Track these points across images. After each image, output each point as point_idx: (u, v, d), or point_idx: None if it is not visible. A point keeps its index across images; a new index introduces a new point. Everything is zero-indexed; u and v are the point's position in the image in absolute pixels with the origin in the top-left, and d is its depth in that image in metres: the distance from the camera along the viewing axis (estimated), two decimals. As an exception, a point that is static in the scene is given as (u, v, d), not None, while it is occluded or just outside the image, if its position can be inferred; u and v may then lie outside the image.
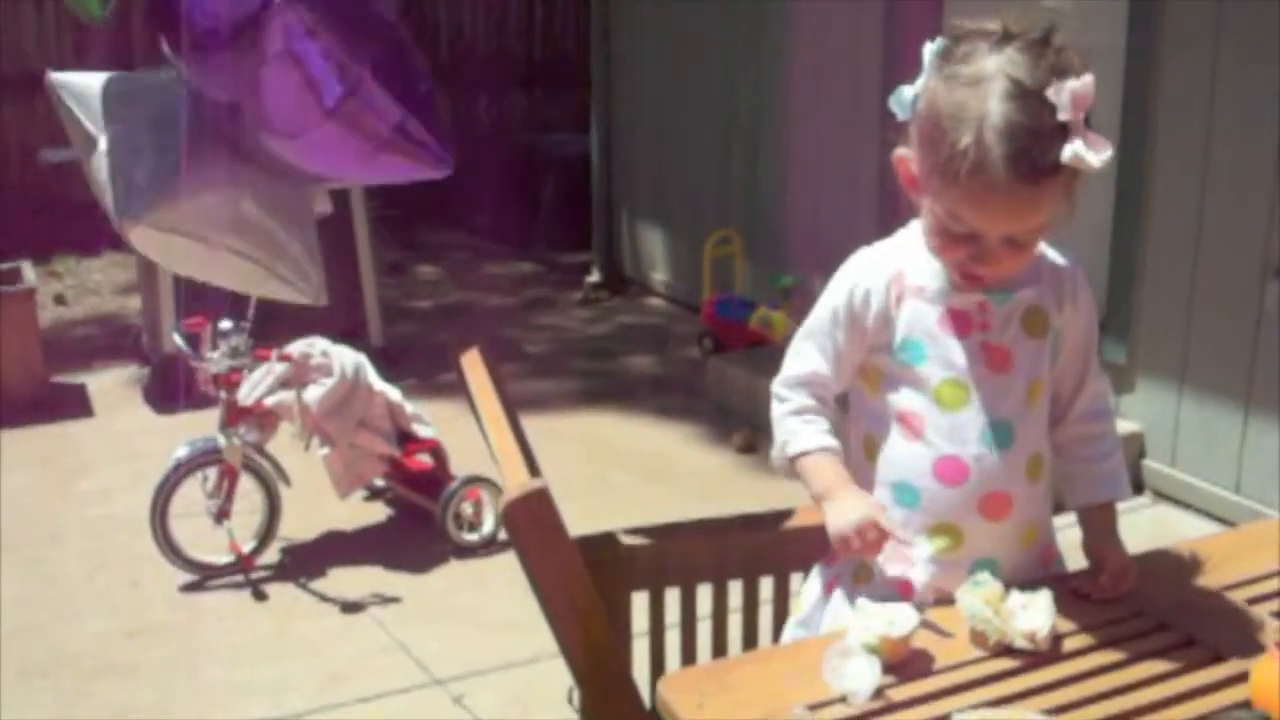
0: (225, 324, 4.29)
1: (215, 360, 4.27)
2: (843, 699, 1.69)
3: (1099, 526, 2.13)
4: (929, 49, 1.90)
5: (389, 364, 5.54)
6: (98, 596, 4.36)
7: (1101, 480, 2.15)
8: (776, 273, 6.22)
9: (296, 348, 4.46)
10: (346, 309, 6.13)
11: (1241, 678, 1.71)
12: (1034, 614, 1.82)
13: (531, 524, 1.67)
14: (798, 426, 2.05)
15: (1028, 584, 1.92)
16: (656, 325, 7.29)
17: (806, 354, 2.08)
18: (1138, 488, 4.90)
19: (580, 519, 4.63)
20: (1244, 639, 1.78)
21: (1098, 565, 2.06)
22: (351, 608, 4.29)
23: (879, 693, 1.70)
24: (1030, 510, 2.05)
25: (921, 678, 1.74)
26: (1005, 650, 1.81)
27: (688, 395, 6.13)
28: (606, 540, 2.40)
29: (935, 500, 2.00)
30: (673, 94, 7.21)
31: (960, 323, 1.98)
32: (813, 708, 1.67)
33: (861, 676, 1.69)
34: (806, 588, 2.18)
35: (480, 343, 2.24)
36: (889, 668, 1.74)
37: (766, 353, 5.90)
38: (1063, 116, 1.78)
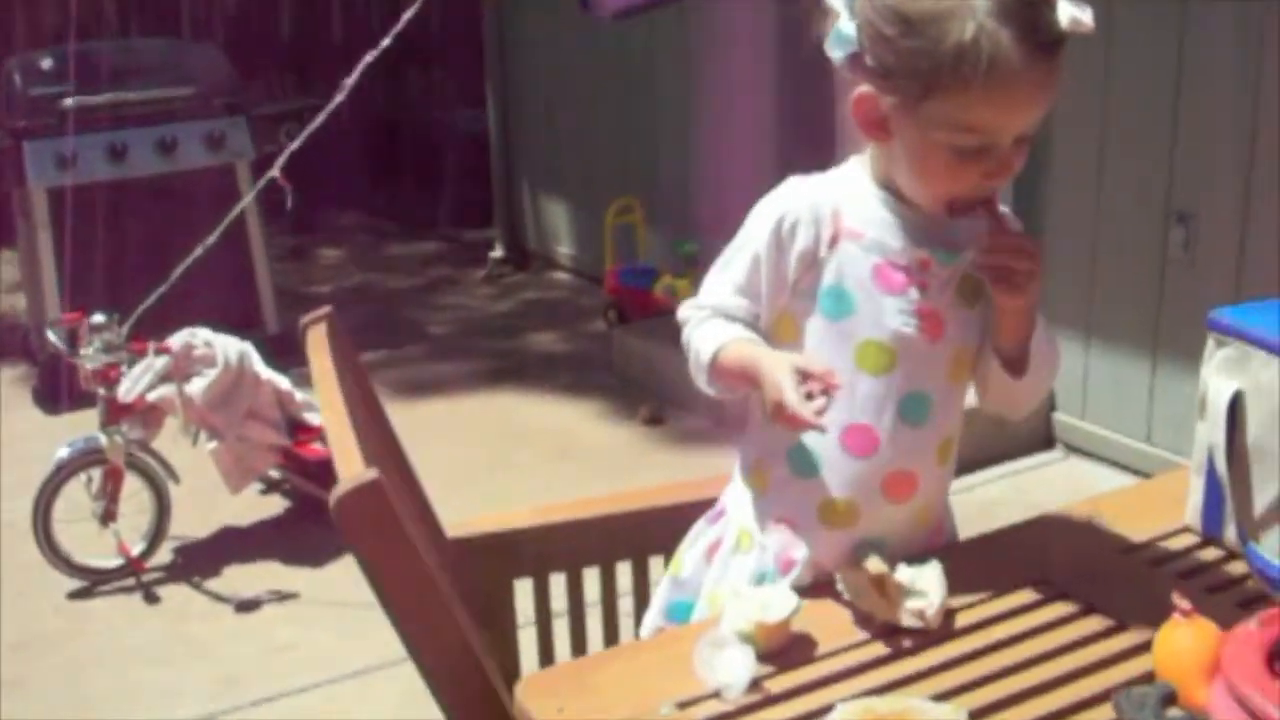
0: (98, 318, 4.13)
1: (89, 356, 4.11)
2: (717, 694, 1.55)
3: None
4: None
5: (285, 351, 5.33)
6: (-19, 609, 4.19)
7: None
8: (679, 239, 6.10)
9: (177, 339, 4.29)
10: (239, 297, 5.96)
11: (1145, 647, 1.59)
12: (922, 590, 1.69)
13: (364, 520, 1.52)
14: (706, 332, 1.87)
15: (914, 558, 1.78)
16: (561, 299, 7.16)
17: (716, 288, 1.90)
18: (1049, 442, 4.83)
19: (485, 501, 4.54)
20: (1147, 605, 1.65)
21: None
22: (247, 606, 4.14)
23: (755, 684, 1.55)
24: (931, 492, 1.91)
25: (802, 665, 1.61)
26: (893, 630, 1.67)
27: (594, 369, 5.99)
28: (484, 528, 2.28)
29: (837, 472, 1.84)
30: (568, 64, 7.07)
31: (896, 279, 1.80)
32: (683, 706, 1.53)
33: (735, 668, 1.55)
34: (688, 545, 2.03)
35: (327, 320, 2.08)
36: (766, 656, 1.60)
37: (671, 322, 5.77)
38: None
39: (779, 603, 1.63)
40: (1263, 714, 1.34)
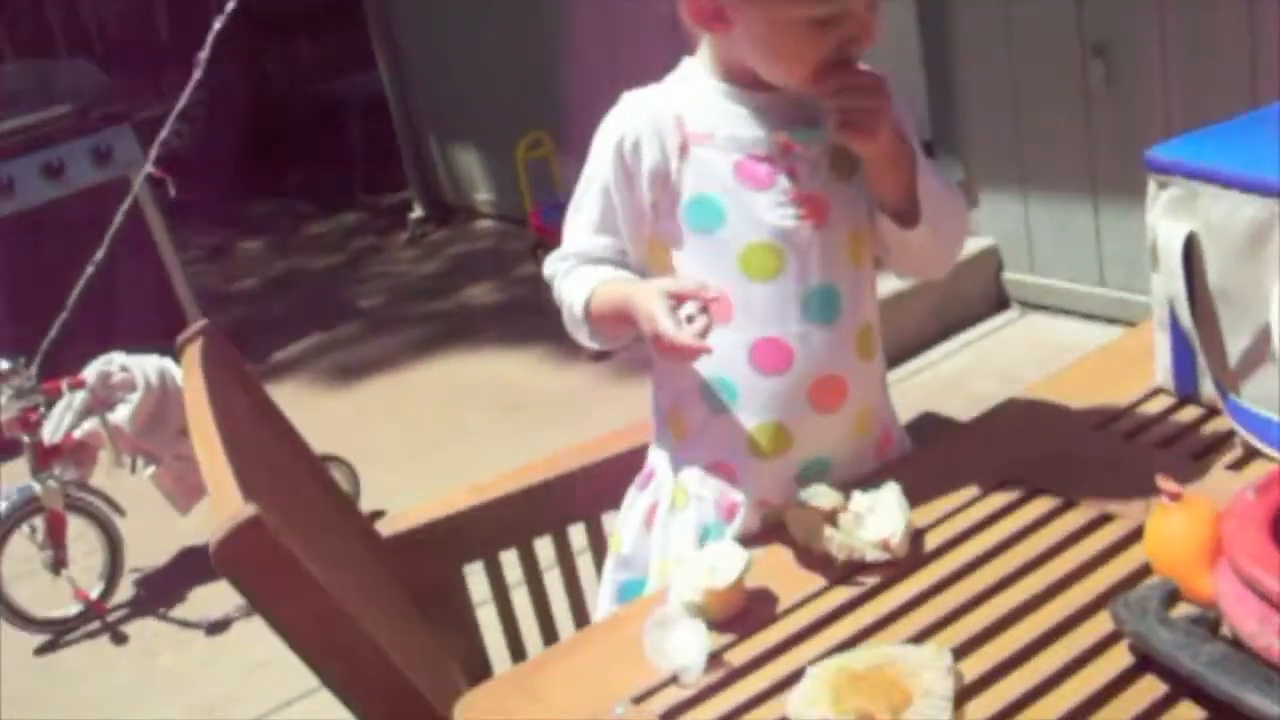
0: (2, 364, 3.94)
1: (3, 405, 3.93)
2: (674, 679, 1.38)
3: None
4: None
5: (214, 356, 5.18)
6: (-58, 682, 4.03)
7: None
8: (594, 167, 5.93)
9: (91, 369, 4.10)
10: (159, 311, 5.75)
11: (1136, 535, 1.43)
12: (883, 516, 1.52)
13: (247, 561, 1.35)
14: (573, 283, 1.75)
15: (867, 480, 1.62)
16: (489, 248, 6.97)
17: (574, 233, 1.78)
18: (1003, 303, 4.68)
19: (443, 469, 4.38)
20: (1131, 485, 1.50)
21: None
22: (217, 628, 3.99)
23: (714, 660, 1.39)
24: (864, 394, 1.74)
25: (763, 628, 1.44)
26: (858, 568, 1.50)
27: (531, 314, 5.79)
28: (421, 519, 2.12)
29: (755, 395, 1.68)
30: (452, 5, 6.84)
31: (760, 171, 1.65)
32: (638, 700, 1.36)
33: (689, 648, 1.38)
34: (624, 519, 1.87)
35: (203, 336, 1.89)
36: (722, 625, 1.44)
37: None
38: None
39: (726, 563, 1.46)
40: (1277, 596, 1.18)
